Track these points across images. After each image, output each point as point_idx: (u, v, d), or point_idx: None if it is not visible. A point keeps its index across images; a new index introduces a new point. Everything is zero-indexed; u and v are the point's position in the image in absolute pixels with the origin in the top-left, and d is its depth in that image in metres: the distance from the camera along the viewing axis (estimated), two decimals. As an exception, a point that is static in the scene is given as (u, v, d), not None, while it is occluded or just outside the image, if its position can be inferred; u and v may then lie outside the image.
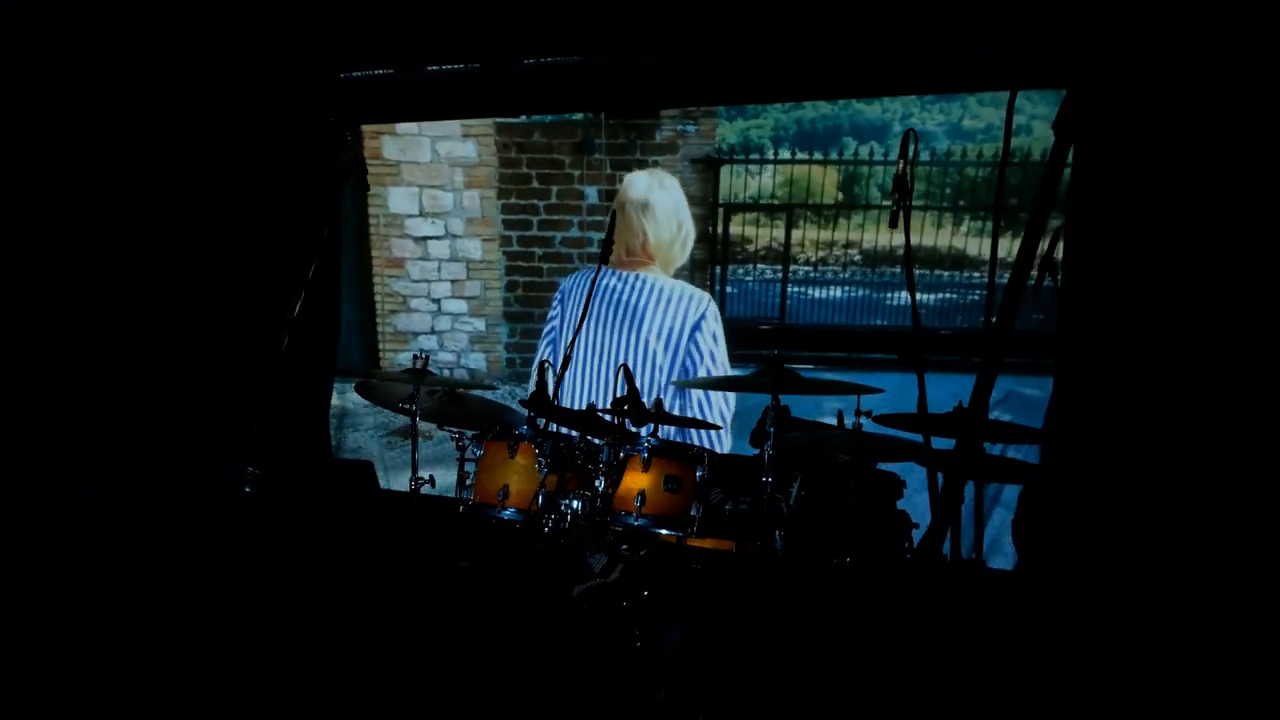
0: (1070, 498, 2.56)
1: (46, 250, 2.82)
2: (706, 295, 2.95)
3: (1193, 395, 2.23)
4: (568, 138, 8.59)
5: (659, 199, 3.03)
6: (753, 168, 10.71)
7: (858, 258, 15.47)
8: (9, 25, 2.60)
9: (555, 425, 2.61)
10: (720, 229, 9.98)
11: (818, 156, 10.79)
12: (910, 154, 2.19)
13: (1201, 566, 2.21)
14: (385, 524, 2.79)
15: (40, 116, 2.76)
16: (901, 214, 2.24)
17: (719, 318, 2.95)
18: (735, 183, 10.72)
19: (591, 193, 8.67)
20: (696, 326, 2.87)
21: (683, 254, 3.11)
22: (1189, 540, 2.25)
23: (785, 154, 10.52)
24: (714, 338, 2.90)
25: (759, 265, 14.76)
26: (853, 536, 2.51)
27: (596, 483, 2.37)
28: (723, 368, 2.93)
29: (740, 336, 3.35)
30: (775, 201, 12.62)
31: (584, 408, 2.57)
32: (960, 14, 2.59)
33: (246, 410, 2.87)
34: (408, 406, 2.59)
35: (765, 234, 13.92)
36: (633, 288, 2.92)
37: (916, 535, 2.57)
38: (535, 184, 8.69)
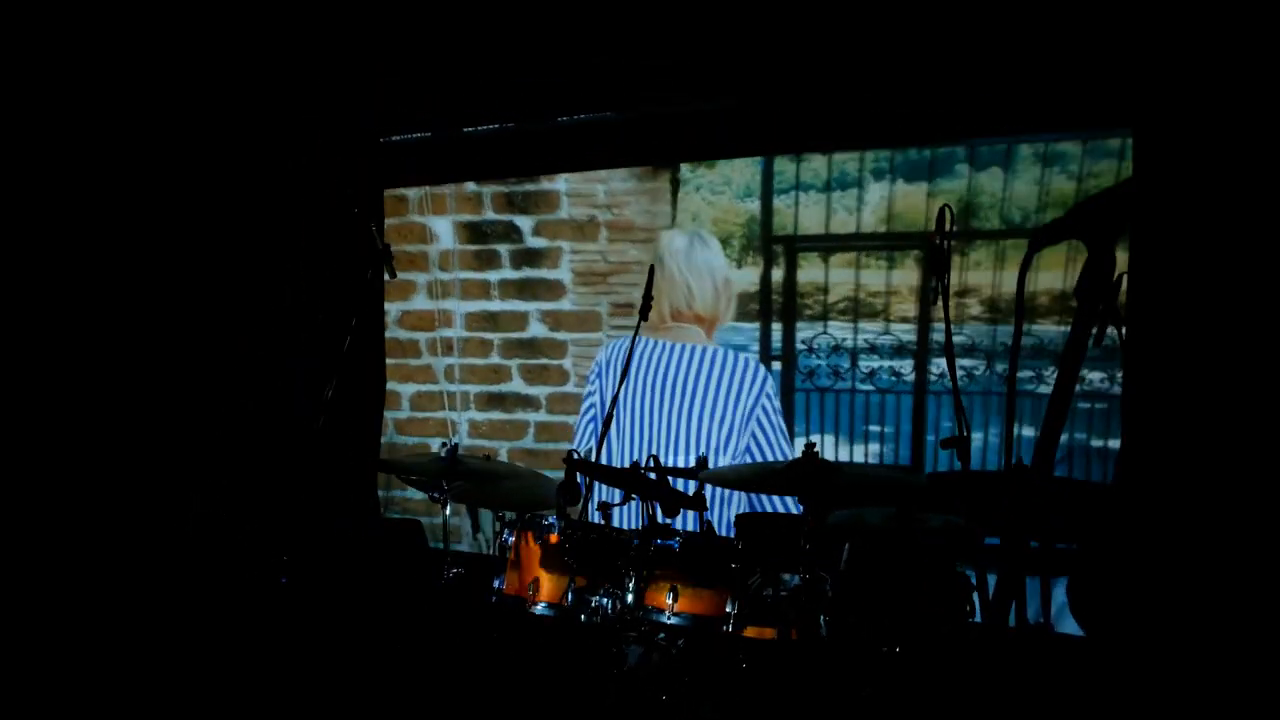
0: (1144, 555, 2.42)
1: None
2: (759, 363, 2.83)
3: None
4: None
5: (703, 255, 2.93)
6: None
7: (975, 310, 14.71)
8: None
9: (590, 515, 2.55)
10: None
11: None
12: (948, 229, 2.08)
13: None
14: (419, 612, 2.76)
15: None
16: (940, 293, 2.13)
17: (775, 389, 2.83)
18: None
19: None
20: (758, 400, 2.74)
21: (728, 313, 3.02)
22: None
23: (883, 187, 9.91)
24: (776, 410, 2.77)
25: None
26: (906, 609, 2.38)
27: (627, 580, 2.30)
28: (785, 443, 2.80)
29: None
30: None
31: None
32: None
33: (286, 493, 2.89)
34: (438, 497, 2.56)
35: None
36: (682, 359, 2.79)
37: (977, 597, 2.43)
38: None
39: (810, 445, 2.24)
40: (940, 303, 2.12)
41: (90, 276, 2.98)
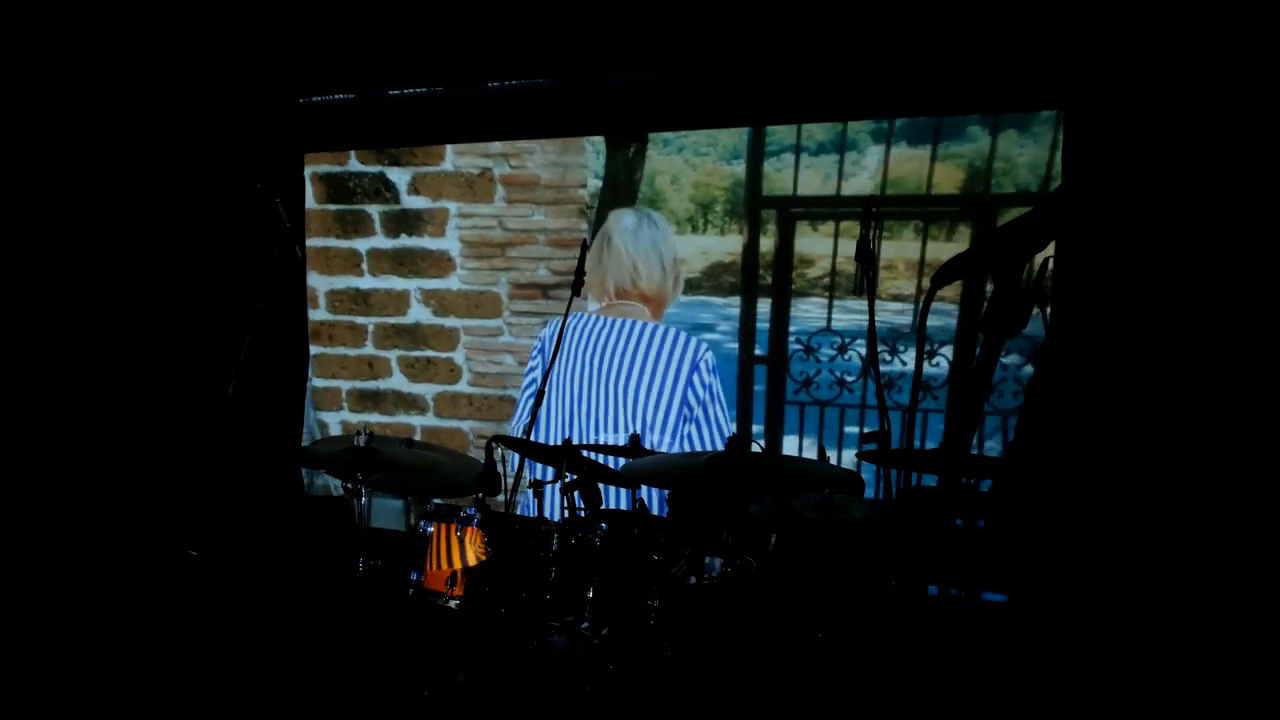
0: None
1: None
2: (696, 339, 2.79)
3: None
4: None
5: (650, 235, 2.88)
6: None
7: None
8: None
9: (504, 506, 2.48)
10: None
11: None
12: (873, 224, 2.04)
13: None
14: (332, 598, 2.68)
15: None
16: (867, 284, 2.09)
17: (713, 363, 2.79)
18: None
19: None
20: (689, 377, 2.73)
21: (675, 293, 2.99)
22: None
23: (879, 148, 9.80)
24: (706, 386, 2.75)
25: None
26: (830, 592, 2.40)
27: (549, 574, 2.25)
28: (723, 419, 2.78)
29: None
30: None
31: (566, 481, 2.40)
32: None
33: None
34: (351, 487, 2.46)
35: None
36: (621, 335, 2.76)
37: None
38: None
39: (734, 437, 2.20)
40: (867, 291, 2.09)
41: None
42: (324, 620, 2.52)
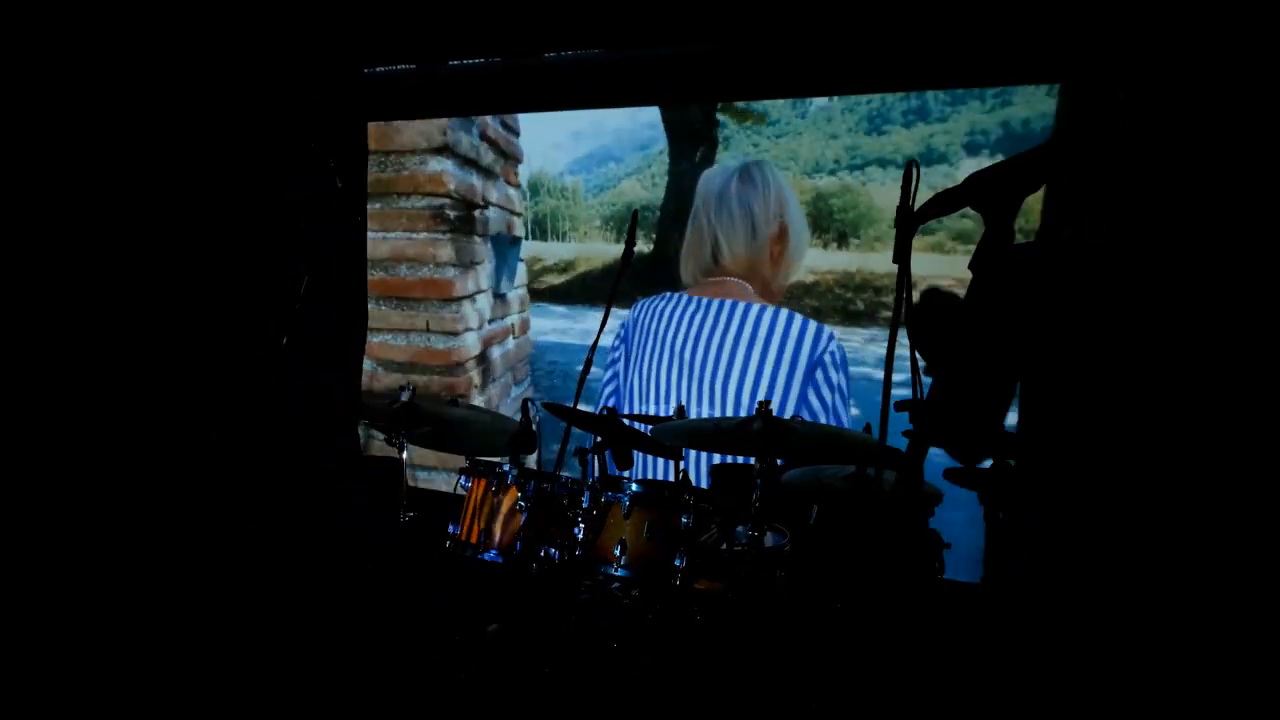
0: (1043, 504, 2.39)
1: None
2: (826, 330, 2.22)
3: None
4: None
5: (742, 194, 2.40)
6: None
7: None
8: None
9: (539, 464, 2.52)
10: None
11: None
12: (914, 187, 1.98)
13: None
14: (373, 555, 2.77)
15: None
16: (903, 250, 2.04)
17: (843, 360, 2.19)
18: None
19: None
20: (810, 373, 2.17)
21: (784, 267, 2.41)
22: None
23: (976, 164, 9.39)
24: (834, 386, 2.19)
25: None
26: (871, 566, 2.37)
27: (576, 530, 2.28)
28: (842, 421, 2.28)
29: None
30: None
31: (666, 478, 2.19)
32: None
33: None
34: (396, 441, 2.54)
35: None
36: (718, 318, 2.25)
37: (950, 556, 2.40)
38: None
39: (764, 404, 2.17)
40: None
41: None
42: (364, 571, 2.62)
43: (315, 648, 2.51)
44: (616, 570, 2.28)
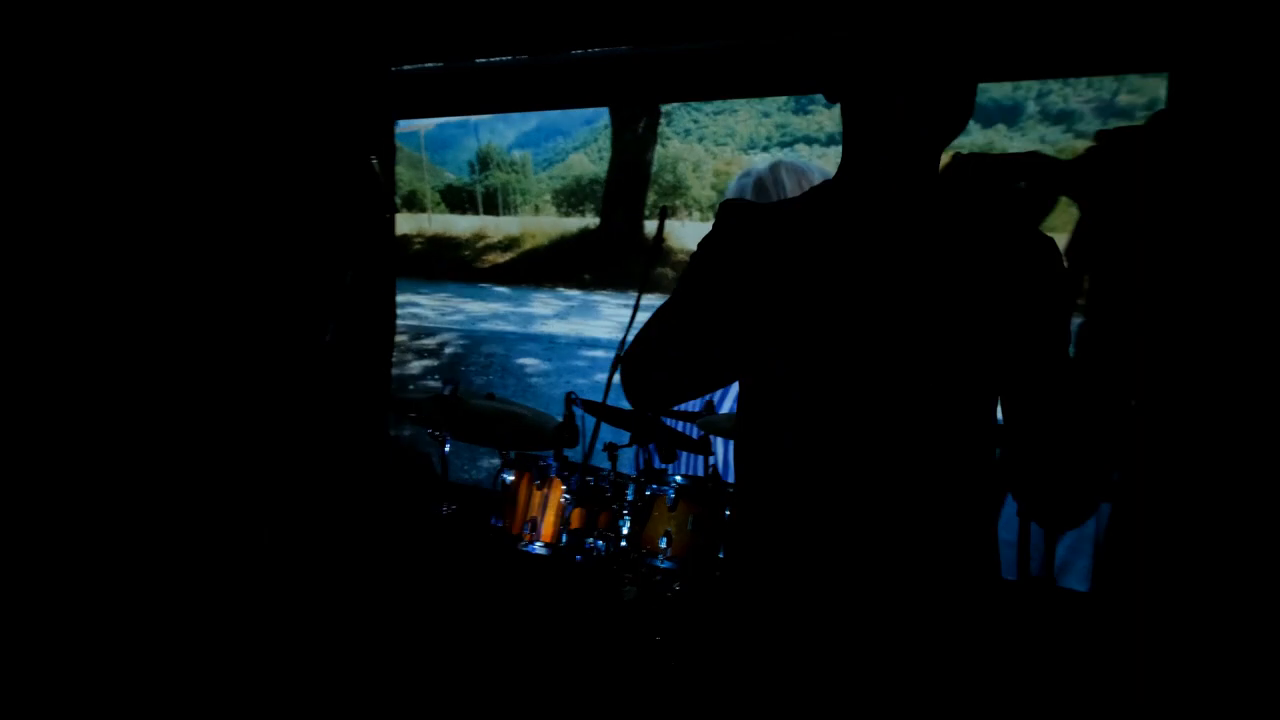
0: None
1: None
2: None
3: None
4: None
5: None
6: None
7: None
8: None
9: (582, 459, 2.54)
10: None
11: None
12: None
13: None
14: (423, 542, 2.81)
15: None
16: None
17: None
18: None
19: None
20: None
21: None
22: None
23: None
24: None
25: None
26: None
27: (621, 523, 2.31)
28: None
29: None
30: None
31: None
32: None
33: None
34: (439, 435, 2.57)
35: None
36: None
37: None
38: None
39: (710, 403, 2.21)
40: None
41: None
42: (409, 559, 2.65)
43: (383, 639, 2.55)
44: (662, 562, 2.30)
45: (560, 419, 2.58)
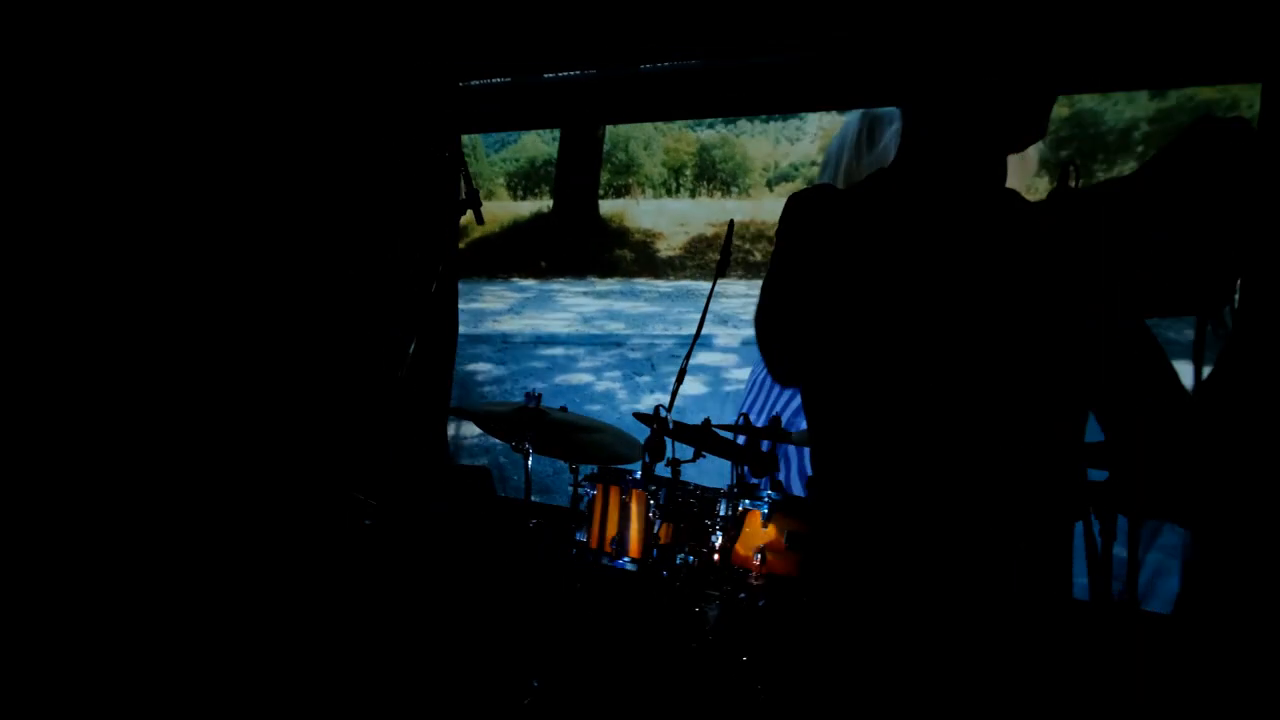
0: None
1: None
2: None
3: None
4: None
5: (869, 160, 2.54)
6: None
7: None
8: None
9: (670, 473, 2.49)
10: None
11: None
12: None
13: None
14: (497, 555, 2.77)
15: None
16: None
17: None
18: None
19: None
20: None
21: None
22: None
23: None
24: None
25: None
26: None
27: (713, 538, 2.25)
28: None
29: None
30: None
31: None
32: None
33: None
34: (523, 447, 2.54)
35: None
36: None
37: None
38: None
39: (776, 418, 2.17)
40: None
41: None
42: (496, 573, 2.61)
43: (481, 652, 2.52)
44: (755, 580, 2.24)
45: (641, 439, 2.52)
